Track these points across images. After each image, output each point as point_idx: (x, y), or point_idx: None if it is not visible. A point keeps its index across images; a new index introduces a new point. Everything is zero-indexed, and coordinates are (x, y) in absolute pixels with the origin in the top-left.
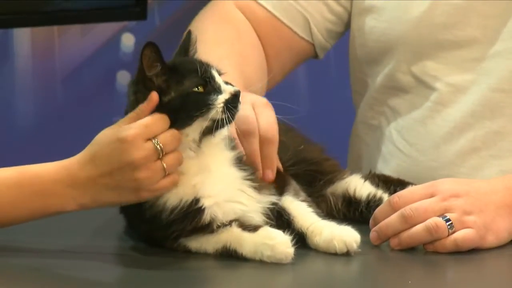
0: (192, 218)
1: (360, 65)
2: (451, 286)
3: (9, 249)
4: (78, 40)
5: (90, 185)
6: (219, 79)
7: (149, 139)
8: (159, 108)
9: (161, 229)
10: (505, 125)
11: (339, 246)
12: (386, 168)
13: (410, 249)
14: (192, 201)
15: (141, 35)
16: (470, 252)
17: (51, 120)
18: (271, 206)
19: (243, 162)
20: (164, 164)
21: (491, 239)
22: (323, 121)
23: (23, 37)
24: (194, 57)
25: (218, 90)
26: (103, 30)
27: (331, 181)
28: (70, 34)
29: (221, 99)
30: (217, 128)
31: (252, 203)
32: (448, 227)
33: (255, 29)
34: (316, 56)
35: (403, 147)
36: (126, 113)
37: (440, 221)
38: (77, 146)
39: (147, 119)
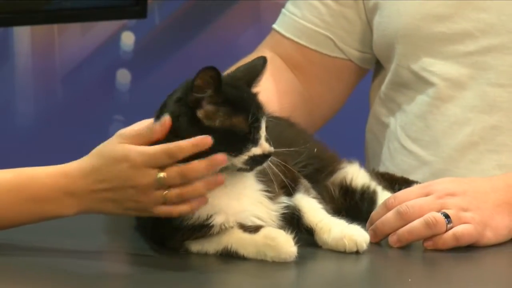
0: (201, 229)
1: (380, 62)
2: (451, 284)
3: (11, 248)
4: (78, 38)
5: (88, 195)
6: (263, 132)
7: (156, 168)
8: (197, 128)
9: (168, 231)
10: (502, 120)
11: (349, 245)
12: (392, 165)
13: (409, 247)
14: (206, 217)
15: (141, 34)
16: (469, 250)
17: (51, 119)
18: (286, 211)
19: (263, 174)
20: (165, 193)
21: (490, 236)
22: (334, 119)
23: (23, 36)
24: (253, 94)
25: (255, 141)
26: (103, 28)
27: (332, 172)
28: (70, 32)
29: (252, 151)
30: (237, 170)
31: (268, 214)
32: (446, 221)
33: (288, 61)
34: (364, 69)
35: (406, 143)
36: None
37: (438, 215)
38: (77, 145)
39: (159, 149)
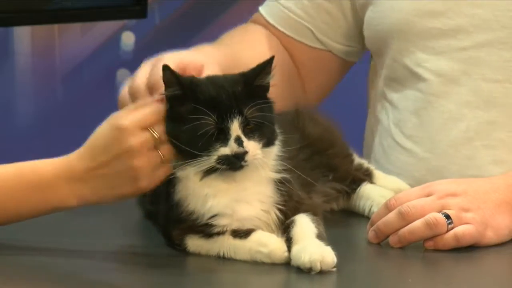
0: (201, 224)
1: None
2: (451, 284)
3: (13, 247)
4: (78, 38)
5: (88, 177)
6: (234, 132)
7: (146, 128)
8: (175, 125)
9: (173, 216)
10: (498, 115)
11: (304, 259)
12: (387, 162)
13: (409, 247)
14: (210, 217)
15: (141, 34)
16: (469, 250)
17: (51, 119)
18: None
19: (285, 185)
20: (161, 154)
21: (490, 236)
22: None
23: (23, 36)
24: (239, 93)
25: (224, 142)
26: (103, 28)
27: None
28: (70, 32)
29: (220, 151)
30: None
31: (270, 222)
32: (448, 222)
33: None
34: (348, 61)
35: (400, 140)
36: None
37: (439, 216)
38: (77, 145)
39: (145, 110)
